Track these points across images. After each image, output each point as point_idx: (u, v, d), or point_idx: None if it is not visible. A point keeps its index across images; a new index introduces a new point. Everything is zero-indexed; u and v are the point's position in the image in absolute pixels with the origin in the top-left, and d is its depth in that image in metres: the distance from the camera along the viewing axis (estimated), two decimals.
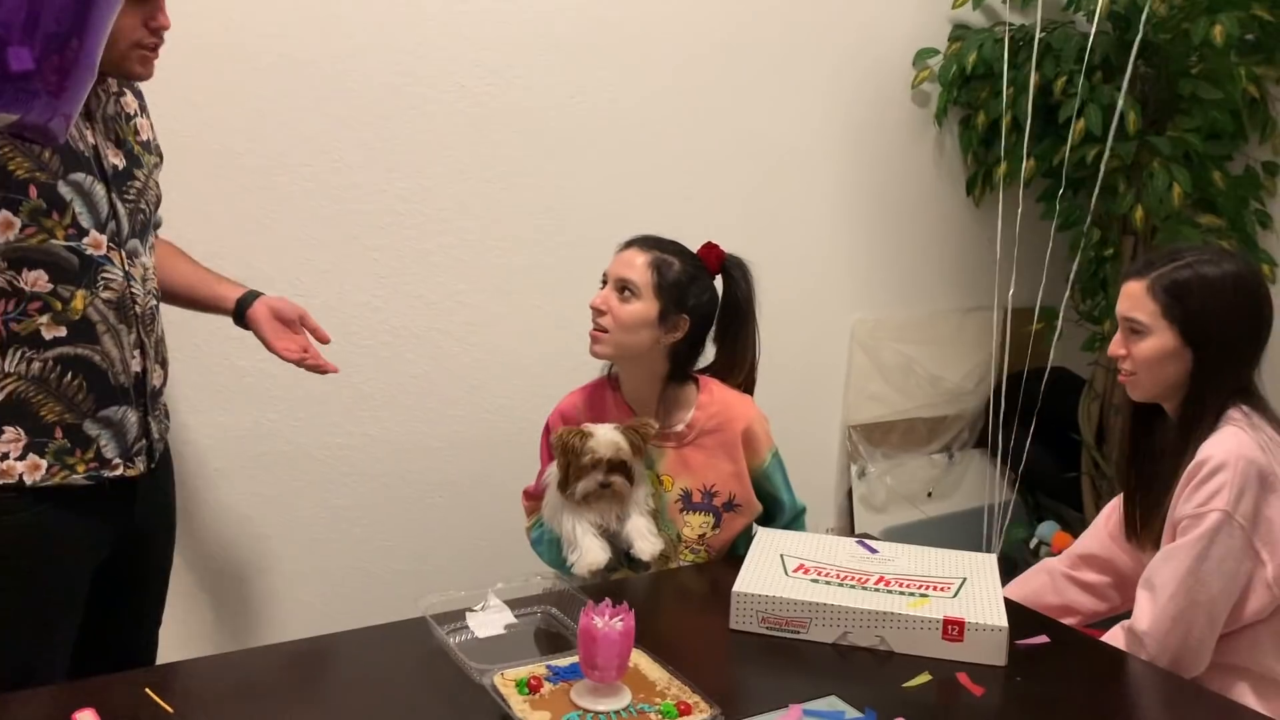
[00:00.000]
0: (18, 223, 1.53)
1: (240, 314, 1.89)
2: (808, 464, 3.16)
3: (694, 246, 1.96)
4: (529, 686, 1.34)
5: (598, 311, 1.88)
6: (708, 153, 2.81)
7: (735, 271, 1.97)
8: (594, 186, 2.64)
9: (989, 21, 3.15)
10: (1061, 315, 3.34)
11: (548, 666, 1.39)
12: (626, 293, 1.87)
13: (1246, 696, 1.63)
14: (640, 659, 1.42)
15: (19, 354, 1.56)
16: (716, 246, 1.97)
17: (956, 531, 3.35)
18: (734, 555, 1.91)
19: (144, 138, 1.75)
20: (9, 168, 1.51)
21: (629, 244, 1.93)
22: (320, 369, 1.89)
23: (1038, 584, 1.98)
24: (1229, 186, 2.96)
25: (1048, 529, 3.20)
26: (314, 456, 2.40)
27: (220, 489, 2.31)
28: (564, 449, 1.79)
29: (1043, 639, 1.61)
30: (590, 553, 1.80)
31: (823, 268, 3.08)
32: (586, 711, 1.30)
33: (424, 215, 2.44)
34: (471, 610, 1.61)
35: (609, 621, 1.30)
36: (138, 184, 1.70)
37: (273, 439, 2.35)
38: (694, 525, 1.90)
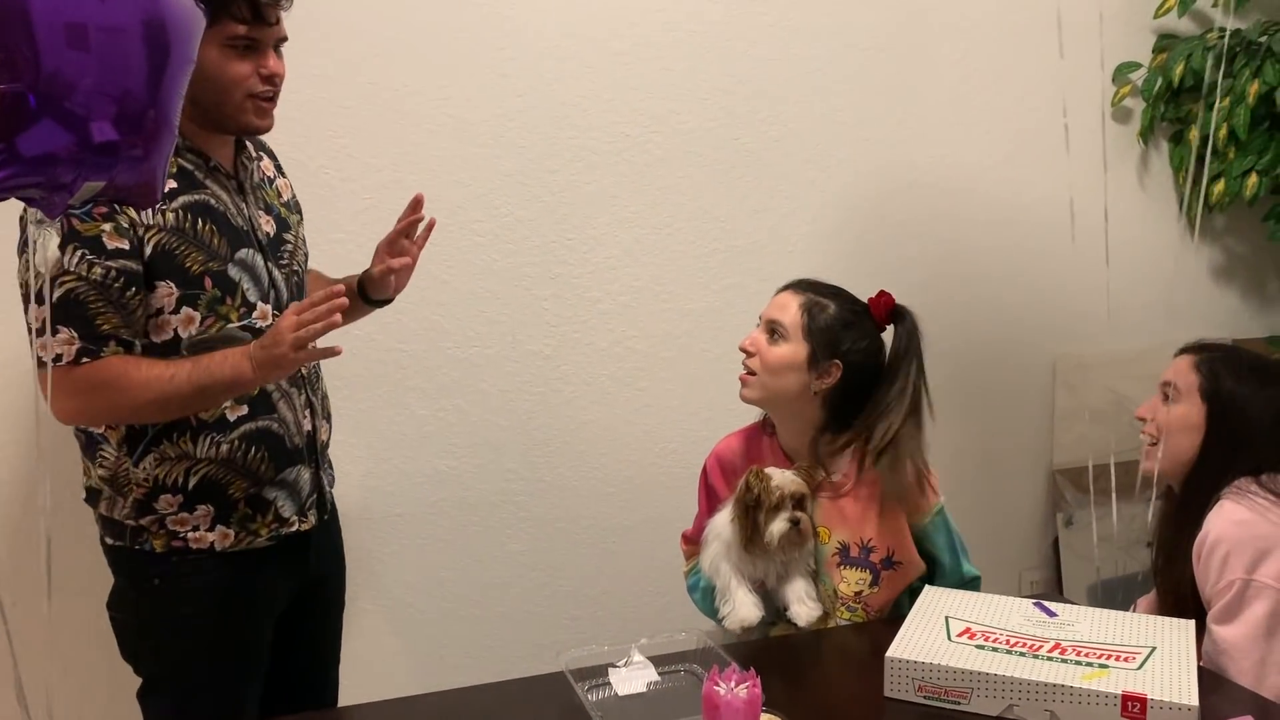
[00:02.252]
0: (198, 316, 1.60)
1: (363, 285, 1.88)
2: (1008, 512, 2.98)
3: (876, 286, 1.87)
4: None
5: (746, 353, 1.84)
6: (884, 185, 2.71)
7: (904, 323, 1.83)
8: (760, 229, 2.61)
9: (1198, 29, 2.89)
10: None
11: None
12: (775, 335, 1.81)
13: None
14: None
15: (208, 440, 1.64)
16: (887, 294, 1.86)
17: None
18: (898, 615, 1.80)
19: (285, 198, 1.82)
20: (186, 264, 1.58)
21: (785, 286, 1.88)
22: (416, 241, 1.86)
23: None
24: None
25: None
26: (490, 501, 2.47)
27: (401, 535, 2.40)
28: (750, 486, 1.73)
29: (1248, 719, 1.43)
30: (743, 608, 1.74)
31: (1022, 300, 2.90)
32: None
33: (592, 264, 2.48)
34: (614, 666, 1.58)
35: (733, 689, 1.24)
36: (289, 246, 1.78)
37: (451, 485, 2.43)
38: (850, 581, 1.80)
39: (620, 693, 1.54)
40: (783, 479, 1.74)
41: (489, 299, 2.41)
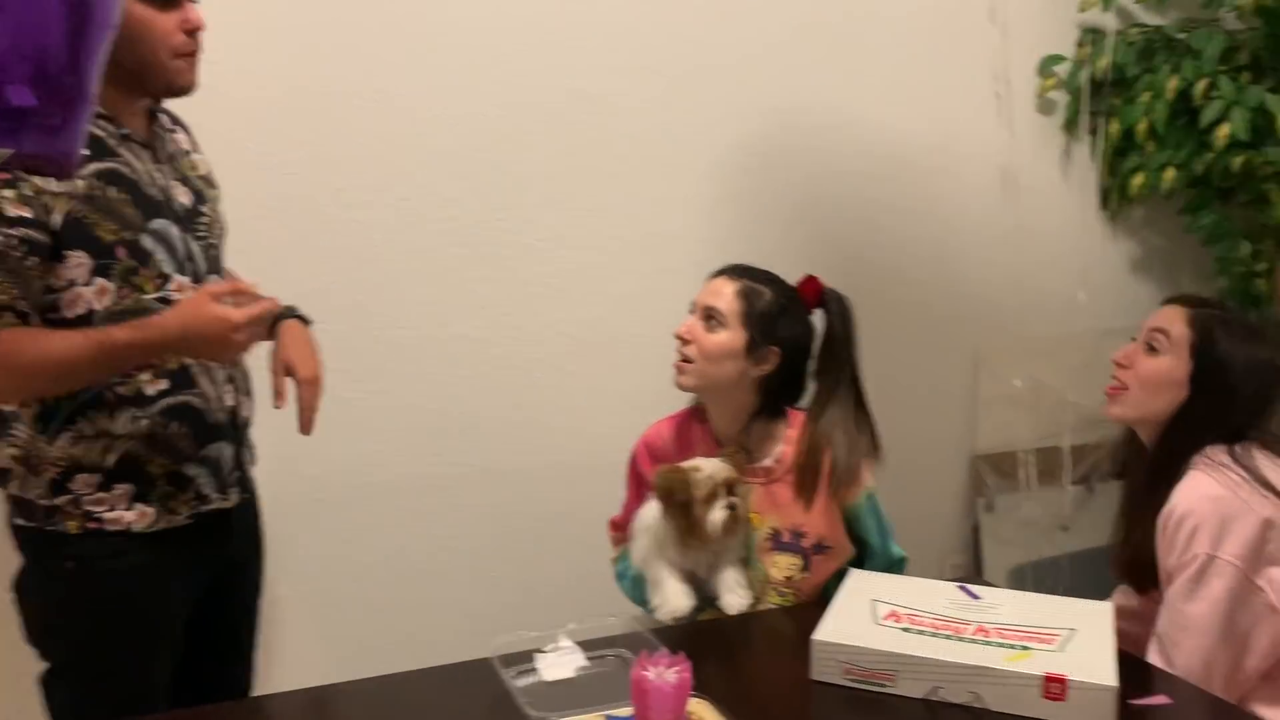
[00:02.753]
0: (112, 287, 1.55)
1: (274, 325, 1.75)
2: (930, 497, 3.02)
3: (805, 270, 1.87)
4: None
5: (682, 341, 1.82)
6: (810, 173, 2.72)
7: (833, 306, 1.85)
8: (695, 214, 2.59)
9: (1121, 24, 2.95)
10: None
11: (606, 716, 1.34)
12: (712, 321, 1.80)
13: None
14: (705, 711, 1.35)
15: (127, 415, 1.59)
16: (815, 279, 1.87)
17: (1098, 568, 3.12)
18: (826, 598, 1.81)
19: (202, 172, 1.77)
20: (96, 233, 1.52)
21: (719, 272, 1.87)
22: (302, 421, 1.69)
23: None
24: None
25: None
26: (416, 488, 2.42)
27: (322, 520, 2.35)
28: (672, 488, 1.70)
29: (1163, 699, 1.46)
30: (674, 599, 1.73)
31: (946, 288, 2.93)
32: None
33: (522, 246, 2.44)
34: (542, 652, 1.56)
35: (662, 673, 1.23)
36: (206, 219, 1.73)
37: (377, 470, 2.38)
38: (781, 566, 1.81)
39: (548, 678, 1.52)
40: (714, 467, 1.73)
41: (416, 279, 2.37)
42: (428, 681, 1.56)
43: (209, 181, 1.78)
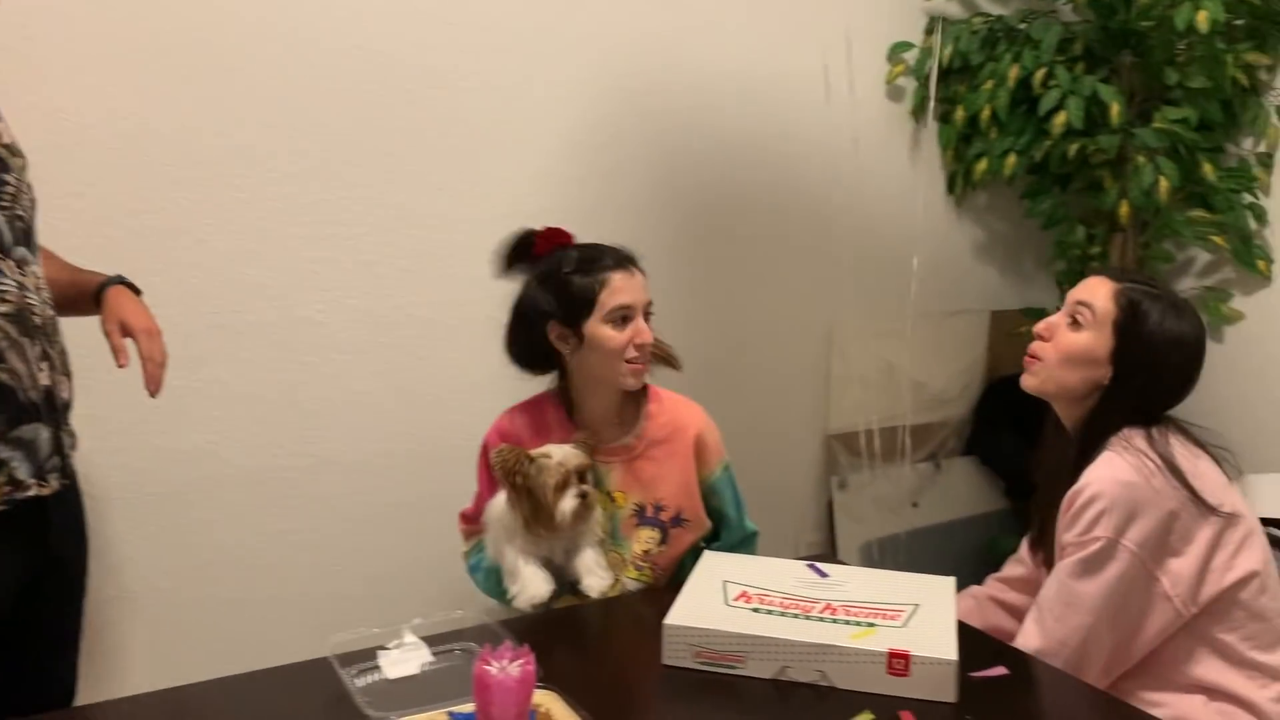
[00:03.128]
0: None
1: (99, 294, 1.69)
2: (786, 476, 3.06)
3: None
4: None
5: (641, 349, 1.78)
6: (670, 155, 2.70)
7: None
8: (548, 194, 2.54)
9: (966, 13, 3.03)
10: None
11: (448, 714, 1.29)
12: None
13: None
14: (552, 703, 1.32)
15: None
16: (553, 230, 1.82)
17: (945, 543, 3.23)
18: (681, 576, 1.81)
19: (5, 140, 1.65)
20: None
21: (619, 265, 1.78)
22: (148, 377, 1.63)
23: (963, 609, 1.86)
24: (1220, 179, 2.83)
25: None
26: (256, 479, 2.31)
27: (157, 515, 2.21)
28: (521, 474, 1.65)
29: (1000, 671, 1.49)
30: (532, 585, 1.70)
31: (798, 271, 2.96)
32: None
33: (367, 225, 2.34)
34: (385, 649, 1.50)
35: (505, 667, 1.19)
36: (10, 188, 1.60)
37: (211, 461, 2.26)
38: (641, 540, 1.79)
39: (390, 676, 1.46)
40: (564, 454, 1.69)
41: (252, 261, 2.24)
42: (263, 684, 1.48)
43: (13, 150, 1.65)
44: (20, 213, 1.61)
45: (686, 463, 1.82)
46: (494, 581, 1.79)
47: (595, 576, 1.74)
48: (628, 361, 1.75)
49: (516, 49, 2.47)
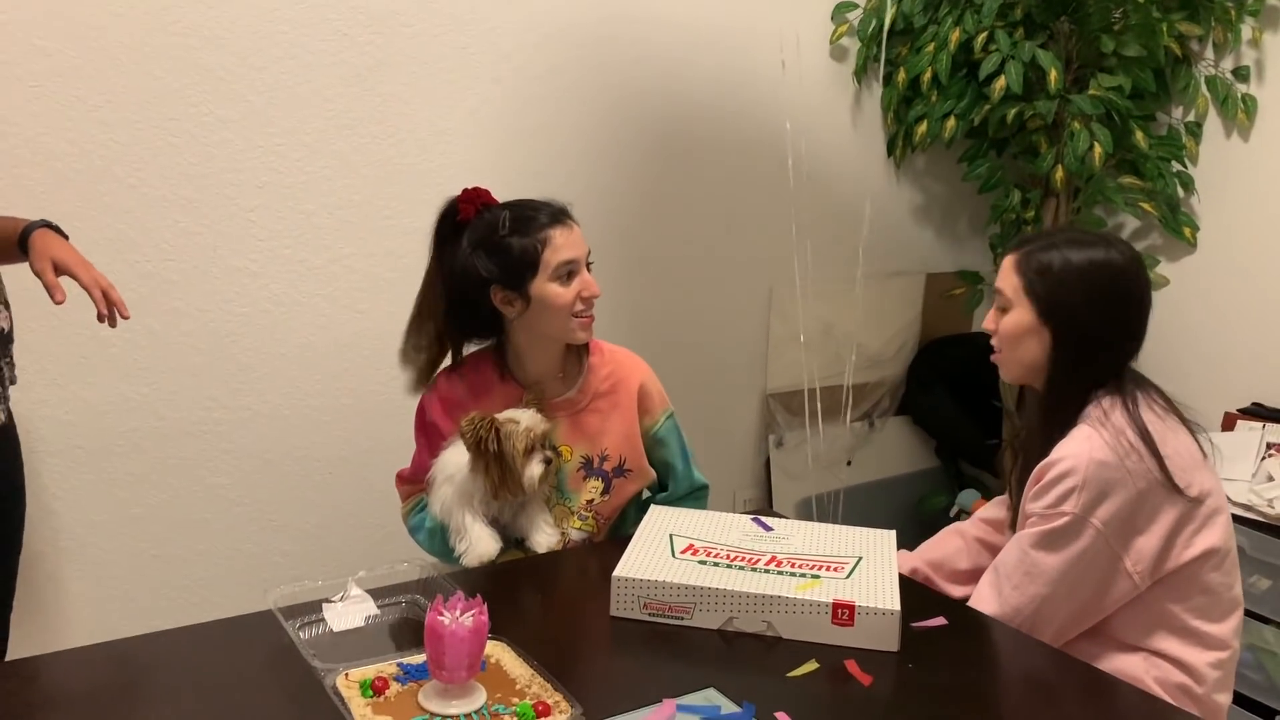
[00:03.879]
0: None
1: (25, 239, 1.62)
2: (727, 434, 3.08)
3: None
4: (374, 688, 1.22)
5: (588, 302, 1.75)
6: (606, 109, 2.67)
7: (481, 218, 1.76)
8: (490, 143, 2.50)
9: None
10: (984, 280, 3.29)
11: (398, 665, 1.28)
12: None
13: (1143, 676, 1.57)
14: (503, 654, 1.31)
15: None
16: (474, 190, 1.78)
17: (878, 500, 3.29)
18: (625, 531, 1.81)
19: None
20: None
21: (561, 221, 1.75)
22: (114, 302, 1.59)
23: (952, 548, 1.90)
24: (1151, 147, 2.90)
25: (968, 496, 3.15)
26: (189, 432, 2.25)
27: (85, 469, 2.15)
28: (487, 440, 1.63)
29: (940, 621, 1.53)
30: (481, 543, 1.69)
31: (738, 234, 2.97)
32: (434, 715, 1.18)
33: (305, 174, 2.29)
34: (329, 601, 1.48)
35: (458, 617, 1.18)
36: None
37: (142, 414, 2.20)
38: (586, 491, 1.79)
39: (336, 628, 1.44)
40: (530, 420, 1.68)
41: (185, 208, 2.18)
42: (204, 636, 1.44)
43: None
44: None
45: (629, 413, 1.82)
46: (439, 540, 1.77)
47: (543, 534, 1.74)
48: (575, 316, 1.74)
49: None
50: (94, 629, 2.19)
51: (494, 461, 1.65)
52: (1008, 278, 1.66)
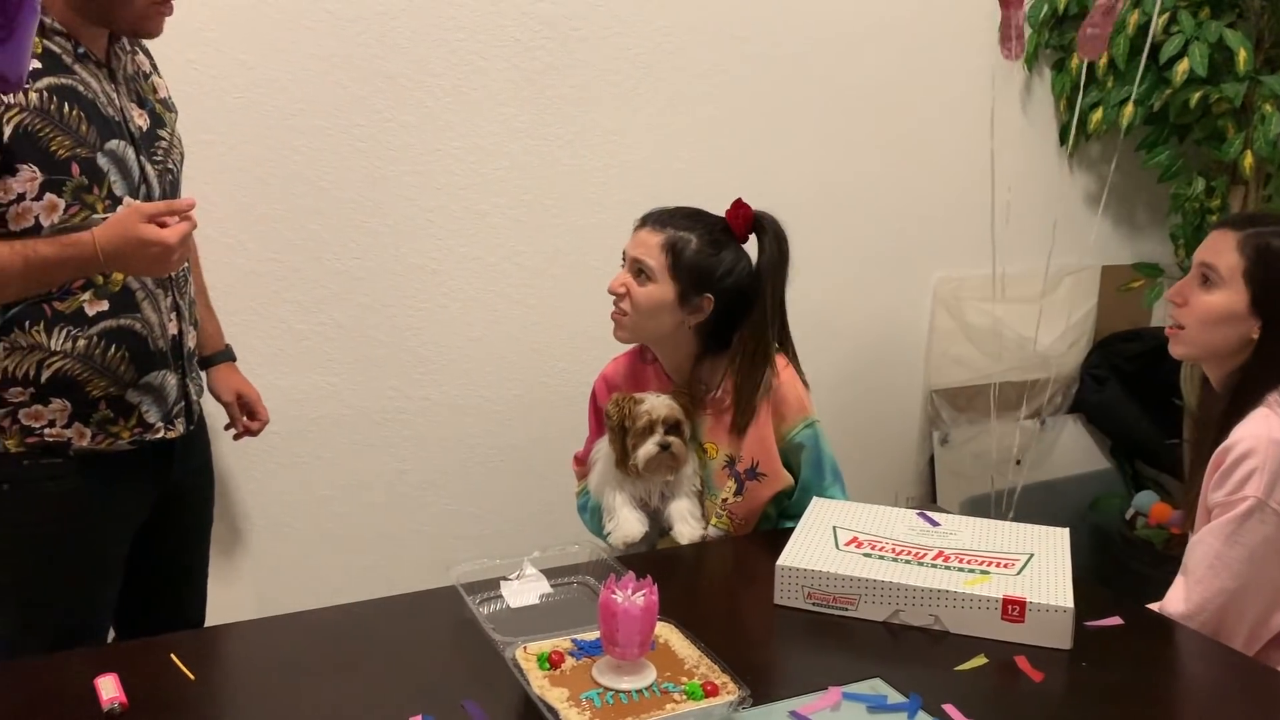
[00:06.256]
0: (62, 204, 1.51)
1: (209, 361, 1.96)
2: (886, 431, 3.05)
3: (761, 206, 1.81)
4: (550, 661, 1.28)
5: (616, 295, 1.80)
6: (774, 104, 2.69)
7: (767, 234, 1.79)
8: (654, 142, 2.56)
9: None
10: (1165, 272, 3.14)
11: (573, 640, 1.33)
12: (642, 275, 1.77)
13: None
14: (671, 635, 1.35)
15: (64, 332, 1.56)
16: (744, 205, 1.79)
17: (1048, 501, 3.19)
18: (768, 528, 1.83)
19: (162, 95, 1.74)
20: (51, 148, 1.49)
21: (644, 222, 1.80)
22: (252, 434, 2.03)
23: None
24: None
25: (1146, 499, 3.01)
26: (373, 420, 2.39)
27: (278, 453, 2.31)
28: (617, 415, 1.75)
29: (1115, 620, 1.49)
30: (626, 524, 1.76)
31: (902, 224, 2.93)
32: (606, 689, 1.23)
33: (480, 175, 2.39)
34: (506, 579, 1.56)
35: (630, 596, 1.23)
36: (164, 143, 1.68)
37: (331, 402, 2.35)
38: (723, 489, 1.82)
39: (513, 605, 1.51)
40: (655, 403, 1.74)
41: (370, 209, 2.31)
42: (391, 609, 1.54)
43: (167, 105, 1.75)
44: (170, 166, 1.70)
45: (764, 417, 1.81)
46: (598, 521, 1.84)
47: (686, 524, 1.78)
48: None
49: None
50: (286, 601, 2.34)
51: (619, 435, 1.75)
52: (1225, 254, 1.56)
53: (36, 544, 1.61)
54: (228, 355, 1.99)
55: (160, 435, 1.68)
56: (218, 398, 1.96)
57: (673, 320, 1.78)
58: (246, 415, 1.98)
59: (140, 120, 1.64)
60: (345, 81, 2.24)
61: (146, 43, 1.72)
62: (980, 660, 1.38)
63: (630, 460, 1.74)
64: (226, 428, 1.99)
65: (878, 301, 2.96)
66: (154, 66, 1.75)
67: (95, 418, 1.60)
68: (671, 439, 1.74)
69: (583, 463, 1.96)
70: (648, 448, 1.73)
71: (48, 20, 1.52)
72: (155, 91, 1.71)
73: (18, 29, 1.04)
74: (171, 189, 1.70)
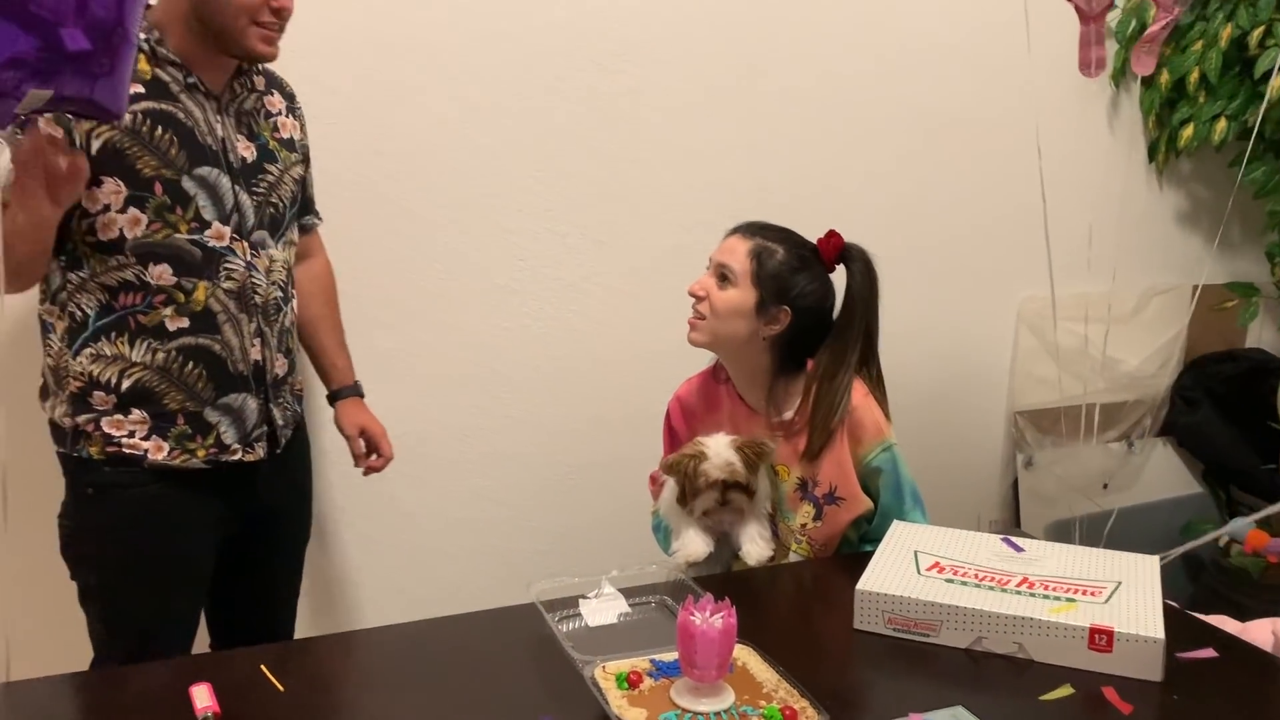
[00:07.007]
0: (144, 219, 1.59)
1: (337, 395, 2.03)
2: (968, 453, 3.00)
3: (843, 227, 1.83)
4: (629, 681, 1.29)
5: (696, 297, 1.82)
6: (857, 124, 2.68)
7: (855, 263, 1.81)
8: (731, 165, 2.57)
9: None
10: (1260, 291, 3.05)
11: (651, 661, 1.34)
12: (725, 280, 1.79)
13: None
14: (749, 657, 1.35)
15: (145, 345, 1.64)
16: (836, 235, 1.82)
17: (1137, 526, 3.10)
18: (850, 551, 1.81)
19: (285, 135, 1.80)
20: (137, 166, 1.57)
21: (735, 230, 1.84)
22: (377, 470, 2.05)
23: None
24: None
25: (1241, 526, 2.90)
26: (455, 437, 2.44)
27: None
28: (679, 471, 1.75)
29: (1209, 652, 1.44)
30: (691, 544, 1.75)
31: (986, 243, 2.89)
32: (684, 711, 1.24)
33: (562, 197, 2.43)
34: (585, 598, 1.57)
35: (708, 618, 1.23)
36: (270, 178, 1.74)
37: (414, 419, 2.39)
38: (800, 514, 1.81)
39: (591, 623, 1.53)
40: (715, 463, 1.72)
41: (455, 231, 2.36)
42: (471, 625, 1.57)
43: (288, 145, 1.80)
44: (275, 200, 1.76)
45: (840, 441, 1.79)
46: (668, 540, 1.85)
47: (755, 544, 1.77)
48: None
49: (691, 11, 2.49)
50: (371, 615, 2.40)
51: (679, 485, 1.76)
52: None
53: (119, 547, 1.68)
54: (355, 391, 2.03)
55: (238, 457, 1.73)
56: (342, 432, 2.00)
57: (748, 328, 1.78)
58: (372, 450, 2.01)
59: (245, 152, 1.71)
60: (429, 105, 2.30)
61: (294, 89, 1.84)
62: (1066, 690, 1.35)
63: (688, 508, 1.75)
64: (357, 464, 2.02)
65: (961, 322, 2.92)
66: (291, 111, 1.82)
67: (173, 432, 1.67)
68: (732, 495, 1.74)
69: (657, 482, 1.97)
70: (703, 501, 1.74)
71: (163, 50, 1.60)
72: (276, 130, 1.78)
73: (119, 65, 1.10)
74: (273, 223, 1.75)
